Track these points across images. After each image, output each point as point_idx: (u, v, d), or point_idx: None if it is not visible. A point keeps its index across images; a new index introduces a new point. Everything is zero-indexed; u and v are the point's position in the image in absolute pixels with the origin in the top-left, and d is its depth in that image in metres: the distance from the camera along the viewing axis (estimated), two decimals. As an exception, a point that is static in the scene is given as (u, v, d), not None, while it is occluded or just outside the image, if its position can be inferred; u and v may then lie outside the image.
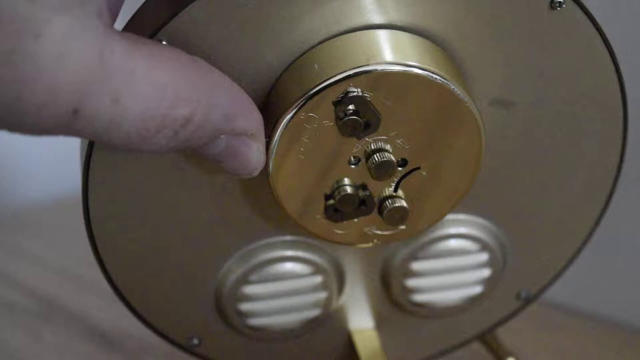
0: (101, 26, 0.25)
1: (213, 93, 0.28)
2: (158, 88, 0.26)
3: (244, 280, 0.36)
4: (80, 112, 0.24)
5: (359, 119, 0.30)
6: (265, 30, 0.30)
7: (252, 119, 0.29)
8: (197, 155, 0.29)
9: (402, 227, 0.33)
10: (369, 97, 0.30)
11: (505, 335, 0.43)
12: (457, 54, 0.32)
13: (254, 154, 0.29)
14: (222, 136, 0.28)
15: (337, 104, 0.30)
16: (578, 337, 0.47)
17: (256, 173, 0.30)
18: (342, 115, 0.30)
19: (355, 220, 0.33)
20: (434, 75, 0.30)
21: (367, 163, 0.31)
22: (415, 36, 0.31)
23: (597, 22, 0.32)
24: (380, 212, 0.33)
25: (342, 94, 0.30)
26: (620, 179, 0.37)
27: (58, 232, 0.62)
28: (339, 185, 0.32)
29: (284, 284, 0.36)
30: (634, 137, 0.37)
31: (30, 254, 0.60)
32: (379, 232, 0.33)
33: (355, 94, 0.30)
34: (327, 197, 0.32)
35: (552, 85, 0.33)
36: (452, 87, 0.30)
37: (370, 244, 0.34)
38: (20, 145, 0.67)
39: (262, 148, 0.30)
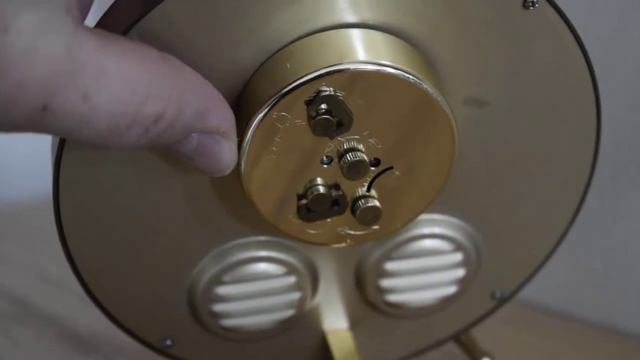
0: (70, 22, 0.24)
1: (185, 90, 0.27)
2: (129, 85, 0.26)
3: (218, 280, 0.36)
4: (49, 108, 0.24)
5: (331, 118, 0.30)
6: (238, 28, 0.30)
7: (224, 117, 0.29)
8: (169, 152, 0.29)
9: (376, 227, 0.33)
10: (342, 97, 0.30)
11: (481, 335, 0.43)
12: (430, 53, 0.32)
13: (225, 153, 0.29)
14: (193, 134, 0.28)
15: (309, 103, 0.30)
16: (554, 337, 0.47)
17: (228, 172, 0.30)
18: (314, 114, 0.30)
19: (328, 220, 0.33)
20: (407, 75, 0.30)
21: (339, 162, 0.31)
22: (388, 35, 0.31)
23: (569, 21, 0.32)
24: (353, 212, 0.32)
25: (314, 93, 0.30)
26: (594, 179, 0.37)
27: (33, 233, 0.61)
28: (312, 185, 0.32)
29: (257, 284, 0.36)
30: (606, 136, 0.37)
31: (5, 255, 0.59)
32: (352, 232, 0.33)
33: (327, 93, 0.30)
34: (300, 197, 0.32)
35: (526, 84, 0.33)
36: (425, 86, 0.30)
37: (343, 244, 0.34)
38: None
39: (234, 147, 0.30)
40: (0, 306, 0.52)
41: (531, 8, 0.31)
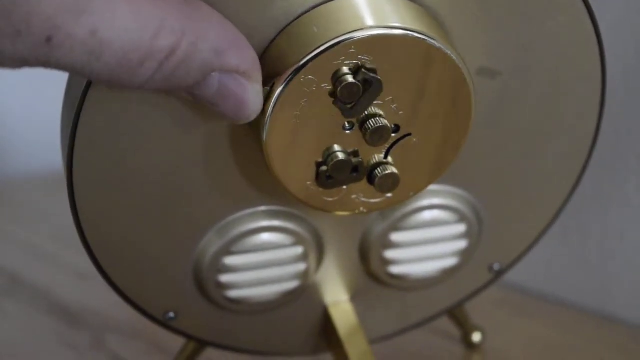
0: None
1: (201, 26, 0.27)
2: (140, 19, 0.26)
3: (226, 251, 0.35)
4: (54, 40, 0.25)
5: (358, 83, 0.30)
6: None
7: (244, 56, 0.28)
8: (192, 99, 0.29)
9: (389, 195, 0.33)
10: (369, 61, 0.30)
11: (476, 320, 0.43)
12: (446, 23, 0.32)
13: (249, 95, 0.29)
14: (214, 74, 0.28)
15: (338, 68, 0.30)
16: (547, 322, 0.48)
17: (253, 116, 0.29)
18: (342, 79, 0.30)
19: (344, 187, 0.33)
20: (432, 40, 0.30)
21: (361, 128, 0.31)
22: (410, 2, 0.31)
23: (584, -5, 0.33)
24: (370, 180, 0.33)
25: (343, 57, 0.29)
26: (592, 166, 0.38)
27: (23, 207, 0.60)
28: (331, 152, 0.32)
29: (265, 254, 0.36)
30: (607, 124, 0.37)
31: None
32: (365, 199, 0.33)
33: (354, 60, 0.30)
34: (319, 164, 0.32)
35: (537, 56, 0.34)
36: (450, 52, 0.30)
37: (356, 211, 0.34)
38: None
39: (258, 89, 0.29)
40: (-11, 279, 0.52)
41: None
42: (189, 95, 0.29)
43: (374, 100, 0.30)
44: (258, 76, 0.29)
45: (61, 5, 0.24)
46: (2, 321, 0.48)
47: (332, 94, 0.30)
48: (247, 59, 0.28)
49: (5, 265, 0.53)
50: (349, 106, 0.30)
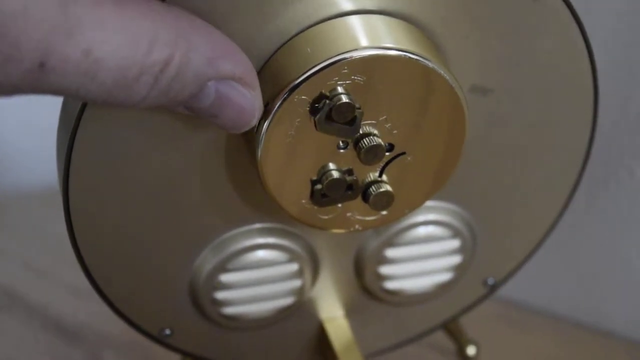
0: None
1: (191, 36, 0.27)
2: (131, 34, 0.25)
3: (222, 268, 0.36)
4: (47, 65, 0.24)
5: (352, 102, 0.30)
6: (260, 11, 0.30)
7: (238, 61, 0.28)
8: (191, 113, 0.28)
9: (384, 212, 0.34)
10: (362, 82, 0.30)
11: (473, 334, 0.43)
12: (440, 43, 0.32)
13: (247, 100, 0.29)
14: (209, 84, 0.28)
15: (329, 91, 0.30)
16: (543, 337, 0.48)
17: (254, 122, 0.29)
18: (334, 100, 0.30)
19: (339, 205, 0.33)
20: (426, 61, 0.30)
21: (355, 147, 0.31)
22: (404, 22, 0.31)
23: (577, 14, 0.33)
24: (365, 197, 0.33)
25: (335, 79, 0.30)
26: (586, 181, 0.38)
27: (20, 224, 0.60)
28: (326, 171, 0.32)
29: (261, 271, 0.36)
30: (600, 137, 0.38)
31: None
32: (360, 217, 0.33)
33: (348, 81, 0.30)
34: (314, 182, 0.32)
35: (529, 73, 0.34)
36: (443, 73, 0.31)
37: (351, 229, 0.34)
38: None
39: (255, 92, 0.29)
40: (-15, 295, 0.52)
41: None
42: (187, 110, 0.28)
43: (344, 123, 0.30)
44: (254, 81, 0.29)
45: (51, 27, 0.24)
46: (-1, 337, 0.48)
47: (316, 112, 0.30)
48: (240, 64, 0.28)
49: (1, 281, 0.53)
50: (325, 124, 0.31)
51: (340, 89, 0.30)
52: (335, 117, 0.30)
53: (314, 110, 0.30)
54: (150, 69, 0.26)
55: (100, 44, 0.25)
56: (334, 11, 0.30)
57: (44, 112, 0.57)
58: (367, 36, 0.30)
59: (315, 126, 0.30)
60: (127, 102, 0.26)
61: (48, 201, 0.58)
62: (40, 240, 0.51)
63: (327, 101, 0.30)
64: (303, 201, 0.32)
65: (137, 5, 0.26)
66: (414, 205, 0.34)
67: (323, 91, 0.30)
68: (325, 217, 0.33)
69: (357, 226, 0.34)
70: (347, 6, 0.31)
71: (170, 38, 0.26)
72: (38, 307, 0.50)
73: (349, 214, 0.33)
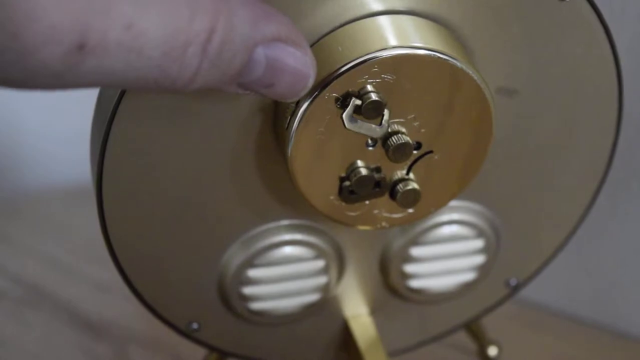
0: None
1: (229, 3, 0.26)
2: (170, 4, 0.24)
3: (250, 263, 0.36)
4: (87, 46, 0.23)
5: (381, 100, 0.31)
6: (292, 6, 0.30)
7: (280, 22, 0.27)
8: (245, 90, 0.28)
9: (411, 210, 0.34)
10: (391, 80, 0.31)
11: (492, 334, 0.44)
12: (468, 44, 0.33)
13: (299, 60, 0.28)
14: (258, 50, 0.27)
15: (359, 89, 0.30)
16: (562, 338, 0.48)
17: (311, 83, 0.28)
18: (364, 98, 0.31)
19: (367, 202, 0.33)
20: (455, 60, 0.31)
21: (384, 145, 0.32)
22: (432, 22, 0.32)
23: (602, 15, 0.33)
24: (392, 195, 0.33)
25: (365, 77, 0.30)
26: (608, 183, 0.39)
27: (46, 220, 0.61)
28: (354, 168, 0.32)
29: (288, 267, 0.37)
30: (624, 140, 0.38)
31: (18, 242, 0.59)
32: (388, 214, 0.34)
33: (377, 79, 0.30)
34: (343, 179, 0.33)
35: (554, 75, 0.34)
36: (471, 72, 0.31)
37: (378, 226, 0.34)
38: (8, 134, 0.66)
39: (305, 50, 0.28)
40: (13, 291, 0.53)
41: (566, 0, 0.32)
42: (241, 88, 0.28)
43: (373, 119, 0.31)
44: (302, 40, 0.28)
45: (86, 4, 0.23)
46: (25, 332, 0.49)
47: (356, 109, 0.31)
48: (284, 24, 0.27)
49: (27, 277, 0.54)
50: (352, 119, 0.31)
51: (369, 87, 0.31)
52: (365, 115, 0.31)
53: (344, 107, 0.31)
54: (197, 38, 0.25)
55: (140, 16, 0.24)
56: (364, 11, 0.31)
57: (66, 111, 0.58)
58: (397, 36, 0.31)
59: (344, 124, 0.31)
60: (180, 79, 0.25)
61: (72, 199, 0.59)
62: (65, 237, 0.52)
63: (355, 99, 0.30)
64: (332, 197, 0.33)
65: None
66: (440, 203, 0.35)
67: (350, 89, 0.30)
68: (353, 214, 0.34)
69: (383, 223, 0.34)
70: (376, 6, 0.31)
71: (208, 5, 0.25)
72: (64, 303, 0.51)
73: (376, 211, 0.34)
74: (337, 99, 0.31)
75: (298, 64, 0.28)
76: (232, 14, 0.26)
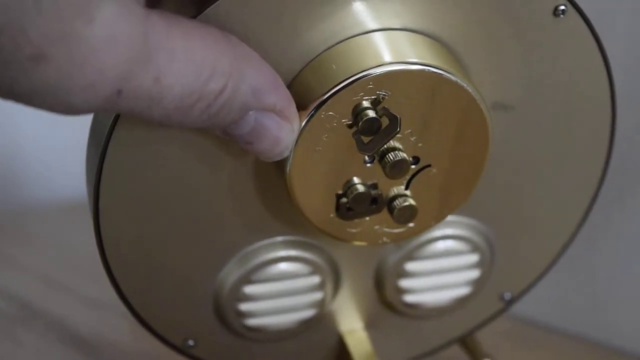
0: (142, 9, 0.25)
1: (243, 67, 0.28)
2: (195, 64, 0.27)
3: (246, 280, 0.36)
4: (124, 91, 0.25)
5: (377, 117, 0.31)
6: (289, 25, 0.30)
7: (280, 95, 0.29)
8: (226, 136, 0.29)
9: (411, 224, 0.34)
10: (387, 96, 0.31)
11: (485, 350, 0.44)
12: (462, 59, 0.33)
13: (283, 133, 0.30)
14: (250, 113, 0.29)
15: (357, 104, 0.31)
16: (554, 355, 0.48)
17: (286, 153, 0.30)
18: (361, 115, 0.31)
19: (367, 219, 0.33)
20: (450, 76, 0.31)
21: (381, 162, 0.32)
22: (428, 38, 0.32)
23: (594, 30, 0.34)
24: (390, 211, 0.33)
25: (361, 94, 0.30)
26: (600, 198, 0.39)
27: (39, 238, 0.61)
28: (351, 184, 0.33)
29: (283, 283, 0.37)
30: (617, 155, 0.38)
31: (11, 259, 0.59)
32: (388, 229, 0.34)
33: (372, 96, 0.31)
34: (340, 196, 0.33)
35: (548, 89, 0.35)
36: (467, 87, 0.31)
37: (379, 242, 0.34)
38: (4, 152, 0.66)
39: (293, 127, 0.30)
40: (5, 309, 0.52)
41: (561, 16, 0.33)
42: (223, 134, 0.29)
43: (389, 138, 0.31)
44: (293, 114, 0.30)
45: (133, 55, 0.25)
46: (17, 350, 0.48)
47: (352, 127, 0.31)
48: (283, 98, 0.29)
49: (20, 294, 0.54)
50: (366, 141, 0.31)
51: (365, 104, 0.31)
52: (363, 132, 0.31)
53: (354, 125, 0.31)
54: (207, 97, 0.27)
55: (167, 71, 0.26)
56: (360, 30, 0.31)
57: (64, 127, 0.57)
58: (391, 52, 0.31)
59: (358, 146, 0.31)
60: (179, 124, 0.28)
61: (66, 215, 0.59)
62: (58, 253, 0.51)
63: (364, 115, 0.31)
64: (331, 215, 0.33)
65: (202, 35, 0.27)
66: (440, 217, 0.35)
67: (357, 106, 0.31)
68: (354, 230, 0.34)
69: (384, 239, 0.34)
70: (372, 25, 0.31)
71: (226, 69, 0.27)
72: (56, 320, 0.51)
73: (376, 227, 0.34)
74: (337, 118, 0.31)
75: (281, 135, 0.30)
76: (241, 80, 0.28)
